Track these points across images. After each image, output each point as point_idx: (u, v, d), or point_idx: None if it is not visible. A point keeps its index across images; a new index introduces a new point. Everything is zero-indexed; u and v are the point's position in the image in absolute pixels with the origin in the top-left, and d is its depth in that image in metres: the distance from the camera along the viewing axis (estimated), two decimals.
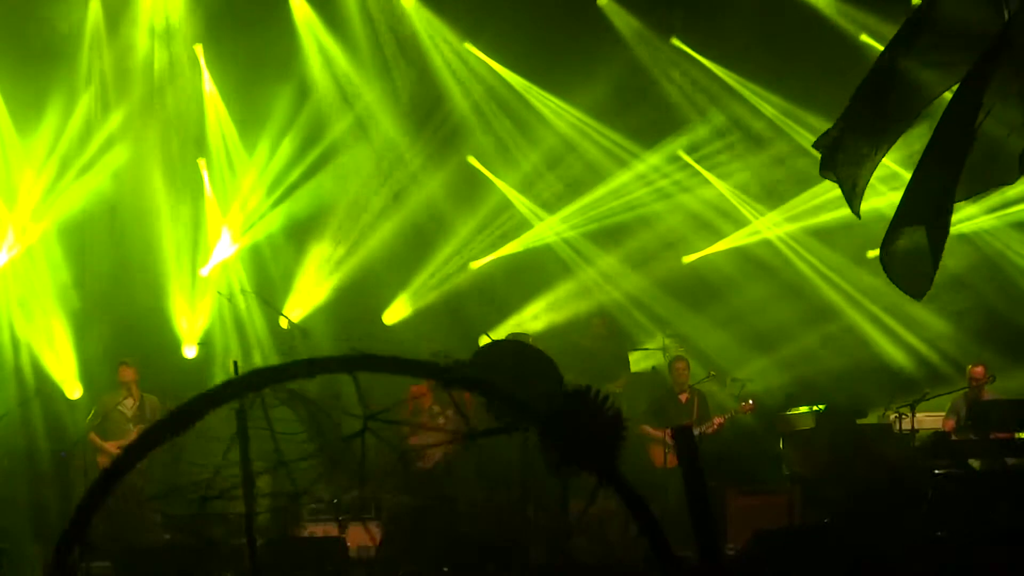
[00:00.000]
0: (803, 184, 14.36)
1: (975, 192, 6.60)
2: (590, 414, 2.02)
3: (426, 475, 11.26)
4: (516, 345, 8.79)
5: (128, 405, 12.01)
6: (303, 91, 14.52)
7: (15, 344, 13.41)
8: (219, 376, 12.21)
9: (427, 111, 14.85)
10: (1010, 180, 6.26)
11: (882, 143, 6.42)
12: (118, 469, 1.91)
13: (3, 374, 13.21)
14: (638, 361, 14.12)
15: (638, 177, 14.93)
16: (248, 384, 1.94)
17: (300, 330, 12.58)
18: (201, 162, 14.47)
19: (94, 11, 13.97)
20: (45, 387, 13.06)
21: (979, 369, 11.93)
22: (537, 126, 14.94)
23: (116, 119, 14.07)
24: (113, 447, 11.59)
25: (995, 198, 13.69)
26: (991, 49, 5.66)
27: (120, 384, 12.11)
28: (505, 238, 15.06)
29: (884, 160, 6.76)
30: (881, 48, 13.15)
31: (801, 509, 10.87)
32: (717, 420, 12.05)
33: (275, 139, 14.47)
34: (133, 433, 11.52)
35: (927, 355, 14.06)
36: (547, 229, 15.07)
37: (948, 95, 6.21)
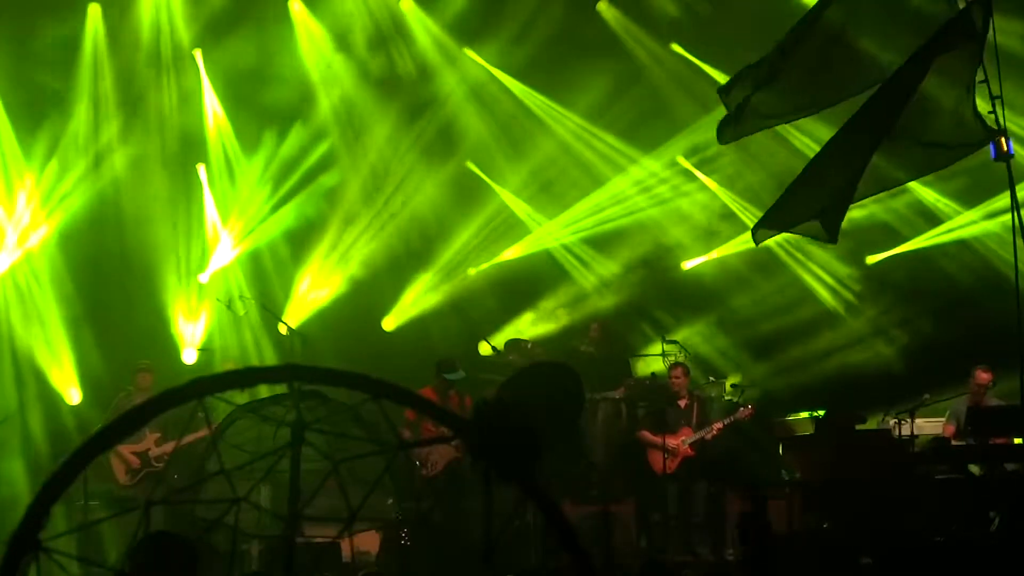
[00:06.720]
0: None
1: (942, 165, 7.07)
2: (505, 427, 2.03)
3: (430, 483, 11.23)
4: (550, 366, 8.81)
5: None
6: (302, 96, 14.53)
7: (14, 349, 13.41)
8: None
9: (427, 116, 14.86)
10: (970, 150, 6.64)
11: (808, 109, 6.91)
12: (67, 474, 1.90)
13: (2, 379, 13.21)
14: (638, 367, 14.09)
15: (637, 182, 14.93)
16: (188, 393, 1.94)
17: (299, 336, 12.53)
18: (200, 167, 14.48)
19: (93, 16, 13.99)
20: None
21: (987, 375, 11.45)
22: (537, 131, 14.94)
23: (116, 124, 14.08)
24: (127, 449, 11.55)
25: (993, 202, 13.71)
26: (940, 34, 6.09)
27: (138, 390, 11.83)
28: (504, 244, 15.05)
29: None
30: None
31: (801, 514, 10.83)
32: (717, 425, 12.03)
33: (274, 144, 14.49)
34: (146, 435, 11.56)
35: (926, 360, 14.01)
36: (546, 235, 15.07)
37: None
